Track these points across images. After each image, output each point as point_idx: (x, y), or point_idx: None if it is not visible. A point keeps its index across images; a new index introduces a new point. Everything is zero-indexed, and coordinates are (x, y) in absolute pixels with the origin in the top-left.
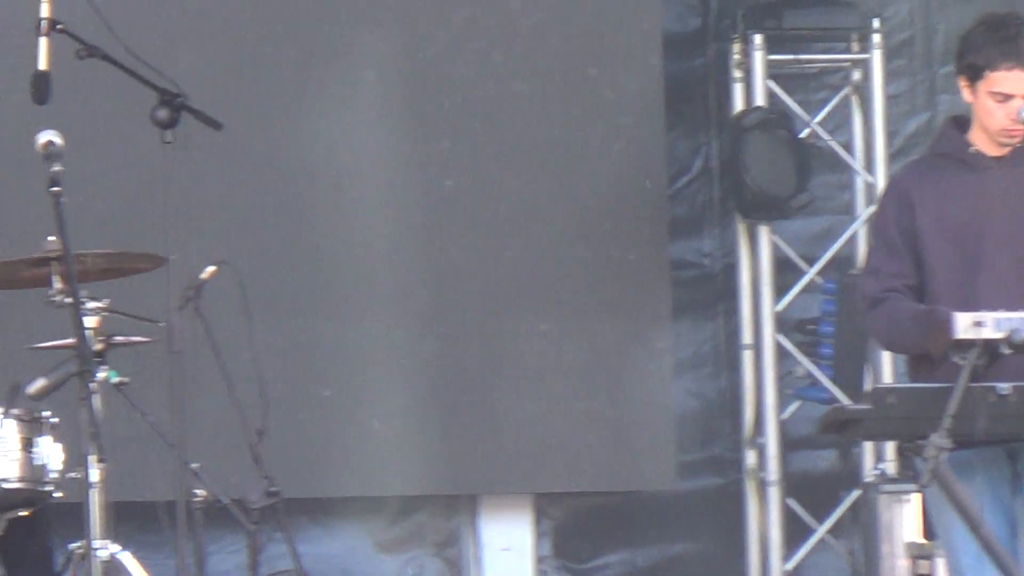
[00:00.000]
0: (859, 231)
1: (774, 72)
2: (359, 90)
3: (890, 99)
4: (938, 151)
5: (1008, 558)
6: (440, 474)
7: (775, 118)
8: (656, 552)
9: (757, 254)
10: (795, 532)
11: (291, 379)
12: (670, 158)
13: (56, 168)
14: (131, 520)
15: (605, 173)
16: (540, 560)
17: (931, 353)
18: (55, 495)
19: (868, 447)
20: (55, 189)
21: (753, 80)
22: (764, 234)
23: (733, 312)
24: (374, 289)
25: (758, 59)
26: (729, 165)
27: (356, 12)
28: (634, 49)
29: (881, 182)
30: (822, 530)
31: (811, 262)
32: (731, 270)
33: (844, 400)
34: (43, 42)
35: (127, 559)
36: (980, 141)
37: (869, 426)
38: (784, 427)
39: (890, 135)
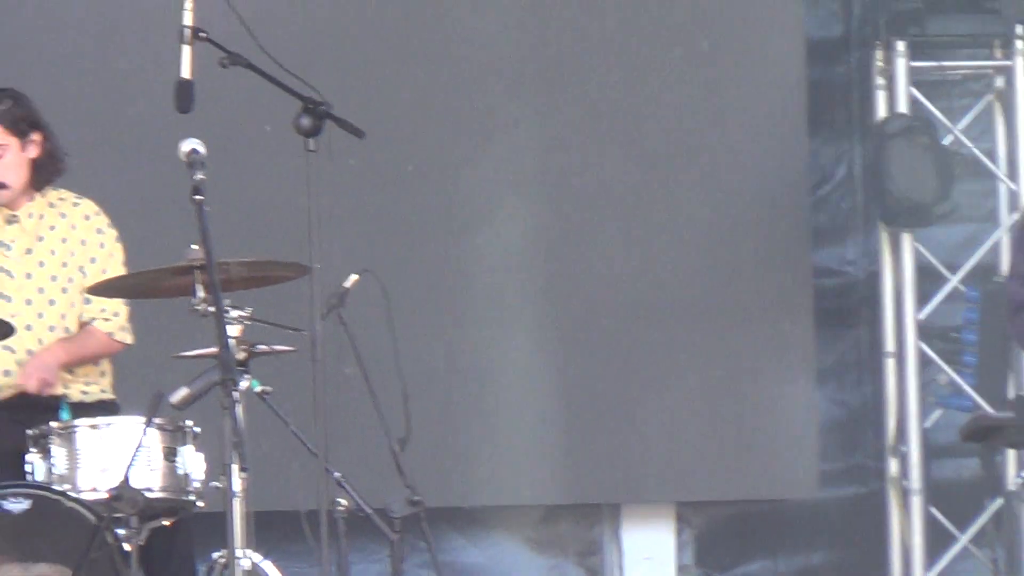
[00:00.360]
0: (1002, 238)
1: (917, 79)
2: (497, 97)
3: None
4: None
5: None
6: (583, 483)
7: (918, 125)
8: (797, 560)
9: (900, 262)
10: (937, 541)
11: (434, 388)
12: (813, 165)
13: (199, 176)
14: (273, 529)
15: (747, 181)
16: (682, 569)
17: None
18: (197, 504)
19: (1011, 455)
20: (198, 198)
21: (896, 87)
22: (907, 242)
23: (876, 320)
24: (518, 298)
25: (901, 66)
26: (872, 172)
27: (492, 18)
28: (777, 56)
29: None
30: (964, 539)
31: (954, 270)
32: (874, 278)
33: (987, 408)
34: (186, 51)
35: (269, 568)
36: None
37: (1012, 434)
38: (927, 435)
39: None
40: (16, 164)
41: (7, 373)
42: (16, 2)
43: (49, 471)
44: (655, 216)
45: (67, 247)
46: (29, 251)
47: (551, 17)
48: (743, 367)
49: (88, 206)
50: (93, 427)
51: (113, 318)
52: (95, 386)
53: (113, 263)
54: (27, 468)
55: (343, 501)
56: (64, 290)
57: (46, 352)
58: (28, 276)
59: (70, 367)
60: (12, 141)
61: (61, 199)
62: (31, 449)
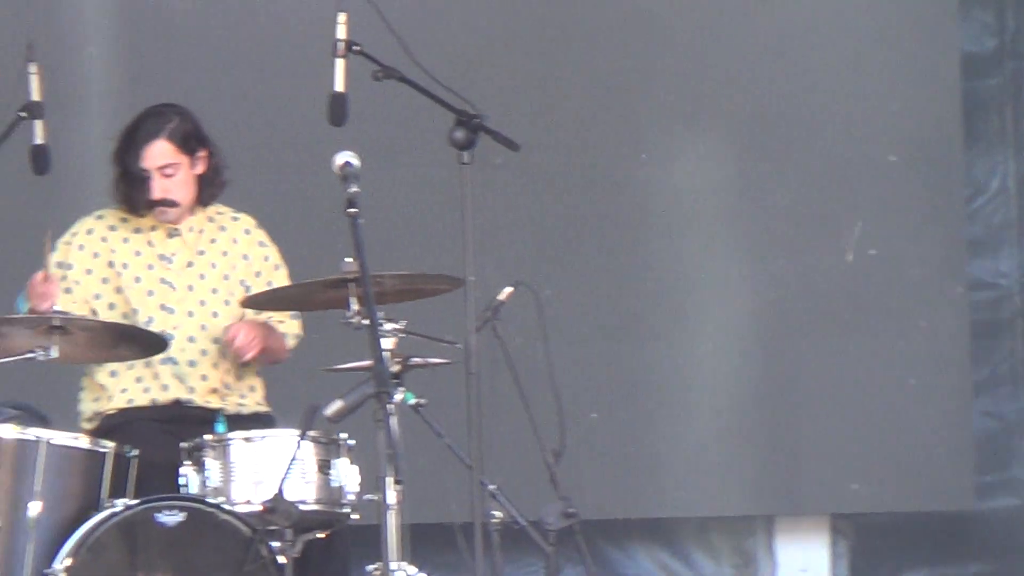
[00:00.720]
0: None
1: None
2: (662, 108)
3: None
4: None
5: None
6: (737, 495)
7: None
8: (953, 572)
9: None
10: None
11: (589, 400)
12: (967, 178)
13: (353, 189)
14: (428, 542)
15: (903, 193)
16: None
17: None
18: (352, 517)
19: None
20: (352, 210)
21: None
22: None
23: None
24: (674, 310)
25: None
26: None
27: (653, 30)
28: (932, 69)
29: None
30: None
31: None
32: None
33: None
34: (340, 63)
35: None
36: None
37: None
38: None
39: None
40: (186, 182)
41: (165, 388)
42: (170, 18)
43: (203, 484)
44: (815, 228)
45: (228, 260)
46: (190, 264)
47: (712, 30)
48: (899, 379)
49: (247, 220)
50: (247, 440)
51: (290, 331)
52: (249, 399)
53: (279, 276)
54: (181, 481)
55: (498, 513)
56: (227, 302)
57: (253, 322)
58: (190, 288)
59: (262, 352)
60: (183, 160)
61: (219, 213)
62: (185, 462)
